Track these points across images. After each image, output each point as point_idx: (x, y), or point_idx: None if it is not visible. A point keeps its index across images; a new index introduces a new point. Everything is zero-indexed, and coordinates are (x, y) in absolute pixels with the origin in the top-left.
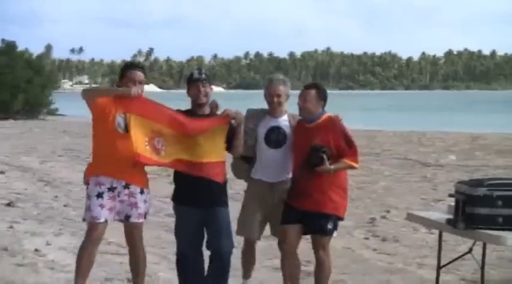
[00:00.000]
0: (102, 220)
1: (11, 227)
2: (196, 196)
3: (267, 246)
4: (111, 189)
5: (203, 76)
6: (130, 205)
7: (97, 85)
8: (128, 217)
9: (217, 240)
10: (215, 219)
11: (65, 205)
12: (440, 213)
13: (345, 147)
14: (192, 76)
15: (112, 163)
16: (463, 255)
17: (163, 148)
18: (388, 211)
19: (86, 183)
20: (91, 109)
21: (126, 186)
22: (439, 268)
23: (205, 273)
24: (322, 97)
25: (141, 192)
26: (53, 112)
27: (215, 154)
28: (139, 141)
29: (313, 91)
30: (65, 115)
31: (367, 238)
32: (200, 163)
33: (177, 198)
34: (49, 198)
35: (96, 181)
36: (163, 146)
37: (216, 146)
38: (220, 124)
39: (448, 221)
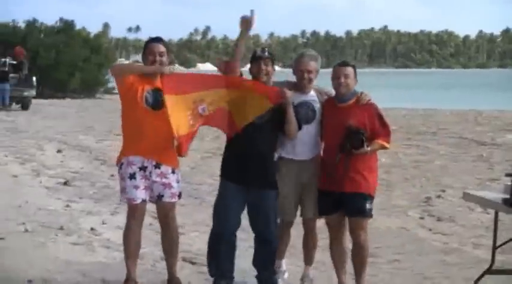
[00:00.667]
0: (138, 200)
1: (67, 206)
2: (245, 173)
3: (321, 225)
4: (142, 169)
5: (266, 54)
6: (164, 185)
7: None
8: (160, 196)
9: (265, 226)
10: (263, 204)
11: None
12: (497, 193)
13: (379, 128)
14: (255, 54)
15: (141, 142)
16: None
17: (207, 112)
18: (443, 191)
19: (119, 163)
20: (118, 86)
21: (157, 166)
22: (494, 248)
23: (250, 255)
24: (356, 76)
25: (173, 172)
26: (109, 91)
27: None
28: (181, 120)
29: (350, 68)
30: None
31: (422, 218)
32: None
33: (224, 172)
34: (105, 177)
35: (127, 161)
36: (208, 110)
37: (258, 110)
38: (270, 96)
39: (505, 201)
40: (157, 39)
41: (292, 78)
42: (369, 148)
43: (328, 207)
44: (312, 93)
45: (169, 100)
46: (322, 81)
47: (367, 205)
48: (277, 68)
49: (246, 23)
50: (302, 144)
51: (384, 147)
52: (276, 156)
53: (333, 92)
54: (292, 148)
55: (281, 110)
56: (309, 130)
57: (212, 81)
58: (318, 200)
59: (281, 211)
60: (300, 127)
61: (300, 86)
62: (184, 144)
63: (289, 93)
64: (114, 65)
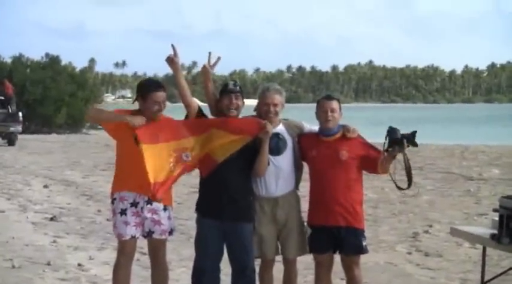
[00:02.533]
0: (128, 237)
1: (54, 241)
2: (220, 208)
3: (309, 260)
4: (134, 204)
5: (237, 88)
6: (154, 221)
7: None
8: (151, 233)
9: (242, 257)
10: (240, 236)
11: (107, 220)
12: (484, 228)
13: (376, 153)
14: (226, 87)
15: (134, 178)
16: (507, 270)
17: (190, 159)
18: (431, 226)
19: (111, 198)
20: (104, 128)
21: (149, 202)
22: (483, 283)
23: None
24: (340, 110)
25: (165, 209)
26: (95, 127)
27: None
28: (161, 166)
29: (336, 102)
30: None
31: (409, 253)
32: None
33: (200, 208)
34: (92, 212)
35: (119, 196)
36: (191, 157)
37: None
38: (248, 131)
39: (492, 236)
40: (159, 86)
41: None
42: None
43: (323, 245)
44: (280, 126)
45: (148, 150)
46: (308, 115)
47: (363, 242)
48: (250, 102)
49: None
50: (273, 178)
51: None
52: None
53: (304, 125)
54: (263, 184)
55: (253, 144)
56: (280, 162)
57: (190, 129)
58: (311, 237)
59: (260, 250)
60: (268, 163)
61: (266, 120)
62: (160, 190)
63: (269, 125)
64: (88, 113)
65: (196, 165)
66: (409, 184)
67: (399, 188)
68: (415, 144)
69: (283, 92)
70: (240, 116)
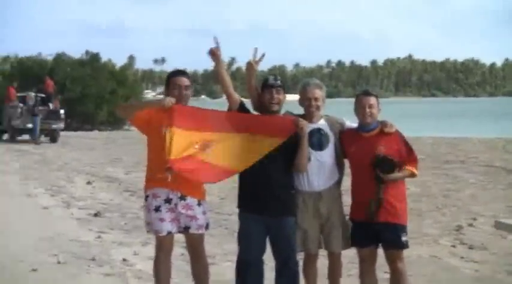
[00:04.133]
0: (164, 233)
1: (98, 237)
2: (262, 203)
3: (353, 254)
4: (168, 201)
5: (278, 82)
6: (189, 217)
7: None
8: (187, 228)
9: (285, 251)
10: (282, 230)
11: None
12: None
13: (406, 155)
14: (267, 82)
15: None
16: None
17: (210, 150)
18: (474, 219)
19: (145, 196)
20: (134, 125)
21: (182, 198)
22: None
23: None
24: (379, 105)
25: (199, 204)
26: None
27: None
28: (183, 147)
29: (374, 98)
30: None
31: (454, 246)
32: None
33: (242, 204)
34: (135, 208)
35: (152, 193)
36: (212, 149)
37: (259, 153)
38: (281, 132)
39: None
40: (181, 72)
41: (294, 109)
42: (400, 174)
43: (363, 240)
44: (322, 121)
45: (177, 134)
46: (347, 109)
47: (403, 237)
48: (291, 97)
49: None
50: (316, 173)
51: (413, 174)
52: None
53: (345, 121)
54: (306, 179)
55: (294, 140)
56: (323, 157)
57: (221, 123)
58: (353, 232)
59: (304, 244)
60: (309, 159)
61: (307, 115)
62: (176, 165)
63: (304, 122)
64: (118, 108)
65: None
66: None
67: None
68: (388, 173)
69: (324, 87)
70: (282, 111)
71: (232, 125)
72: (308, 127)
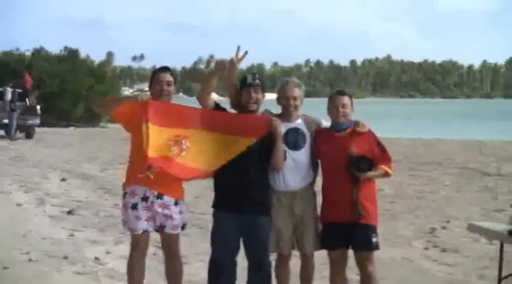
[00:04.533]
0: (140, 231)
1: (71, 235)
2: (237, 202)
3: (325, 255)
4: (144, 199)
5: (257, 81)
6: (165, 216)
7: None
8: (162, 227)
9: (258, 251)
10: (256, 230)
11: None
12: (502, 224)
13: (379, 154)
14: (246, 81)
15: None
16: None
17: (186, 148)
18: (448, 221)
19: (123, 193)
20: (117, 121)
21: (159, 197)
22: (500, 279)
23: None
24: (352, 105)
25: (176, 203)
26: (113, 120)
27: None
28: (159, 144)
29: (347, 98)
30: None
31: (426, 249)
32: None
33: (217, 203)
34: (109, 206)
35: (130, 191)
36: (187, 146)
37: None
38: (255, 132)
39: (510, 232)
40: (165, 69)
41: (272, 107)
42: (375, 173)
43: (333, 241)
44: (299, 120)
45: (152, 129)
46: (325, 109)
47: (373, 238)
48: (269, 95)
49: (218, 65)
50: (292, 173)
51: (387, 174)
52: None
53: (322, 121)
54: (282, 179)
55: (269, 139)
56: (299, 157)
57: (195, 119)
58: (322, 233)
59: (277, 245)
60: (284, 157)
61: (285, 114)
62: (154, 164)
63: (278, 122)
64: (94, 104)
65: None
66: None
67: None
68: (361, 171)
69: (303, 86)
70: (261, 110)
71: (206, 123)
72: (285, 126)
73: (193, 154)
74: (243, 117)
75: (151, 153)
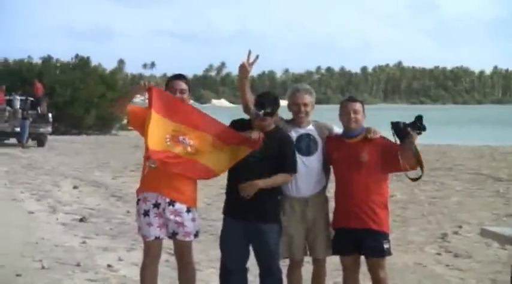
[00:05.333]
0: (152, 238)
1: (83, 242)
2: (245, 209)
3: (338, 261)
4: (156, 205)
5: (261, 112)
6: (177, 223)
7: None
8: (175, 234)
9: (266, 258)
10: (264, 237)
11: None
12: None
13: (395, 149)
14: (253, 112)
15: (157, 178)
16: None
17: (190, 144)
18: (460, 227)
19: (137, 199)
20: (131, 124)
21: (171, 203)
22: None
23: None
24: (364, 112)
25: (188, 211)
26: (125, 128)
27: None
28: (158, 136)
29: (359, 104)
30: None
31: (439, 254)
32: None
33: (226, 209)
34: (121, 213)
35: (143, 197)
36: (190, 143)
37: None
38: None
39: None
40: (179, 76)
41: (284, 114)
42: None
43: (345, 247)
44: (310, 126)
45: (154, 117)
46: (336, 116)
47: (385, 245)
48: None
49: (243, 69)
50: (304, 179)
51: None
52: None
53: (334, 127)
54: (294, 185)
55: (277, 146)
56: (311, 163)
57: (196, 120)
58: (334, 239)
59: (289, 250)
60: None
61: (296, 120)
62: (154, 156)
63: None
64: (113, 108)
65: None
66: (421, 174)
67: (412, 179)
68: (420, 129)
69: (313, 92)
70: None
71: (203, 125)
72: (296, 132)
73: (202, 150)
74: (237, 134)
75: (151, 144)
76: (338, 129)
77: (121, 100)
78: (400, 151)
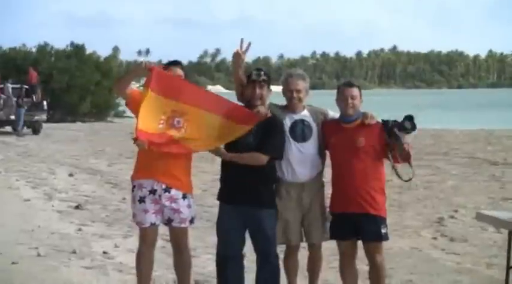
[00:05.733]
0: (147, 224)
1: (79, 230)
2: (238, 194)
3: (334, 246)
4: (152, 192)
5: (261, 77)
6: (173, 210)
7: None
8: (170, 220)
9: (263, 244)
10: (261, 222)
11: None
12: (510, 212)
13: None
14: (250, 77)
15: (152, 165)
16: None
17: (184, 126)
18: (456, 211)
19: (132, 186)
20: (129, 107)
21: (167, 190)
22: (508, 268)
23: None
24: (361, 97)
25: (184, 197)
26: (120, 115)
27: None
28: (152, 118)
29: (356, 89)
30: (132, 118)
31: (435, 238)
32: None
33: (221, 195)
34: (117, 200)
35: (138, 184)
36: (183, 125)
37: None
38: (247, 121)
39: None
40: (175, 63)
41: (279, 100)
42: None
43: (343, 232)
44: (305, 112)
45: (150, 97)
46: (332, 101)
47: (383, 230)
48: (276, 88)
49: (236, 56)
50: (299, 164)
51: (409, 154)
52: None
53: (328, 111)
54: (290, 170)
55: (269, 134)
56: (306, 148)
57: (196, 97)
58: (332, 224)
59: (285, 236)
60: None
61: (290, 106)
62: (143, 137)
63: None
64: (114, 87)
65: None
66: (412, 176)
67: (404, 181)
68: (407, 129)
69: (307, 78)
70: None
71: (207, 103)
72: (291, 118)
73: (193, 132)
74: (237, 105)
75: (140, 125)
76: (333, 113)
77: (122, 81)
78: (389, 148)
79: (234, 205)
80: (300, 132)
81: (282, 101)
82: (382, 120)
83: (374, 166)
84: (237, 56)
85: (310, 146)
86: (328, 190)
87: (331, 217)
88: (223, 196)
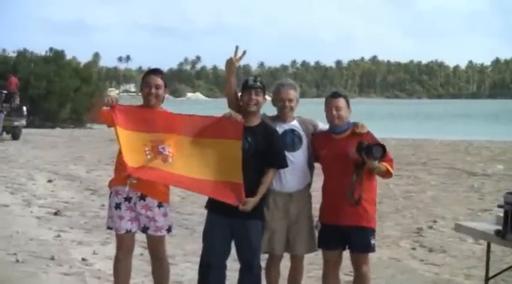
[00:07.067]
0: (122, 231)
1: (58, 236)
2: (227, 204)
3: (313, 255)
4: (127, 199)
5: (257, 84)
6: (148, 218)
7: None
8: (146, 228)
9: (248, 255)
10: (247, 233)
11: None
12: (489, 224)
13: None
14: (247, 83)
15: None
16: (511, 267)
17: (170, 155)
18: (435, 221)
19: (110, 193)
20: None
21: (142, 198)
22: (487, 279)
23: None
24: (349, 106)
25: (159, 206)
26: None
27: (226, 174)
28: (135, 152)
29: (343, 100)
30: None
31: (414, 249)
32: (209, 182)
33: (209, 204)
34: (96, 207)
35: (115, 191)
36: (170, 152)
37: (225, 162)
38: (235, 132)
39: (497, 232)
40: (155, 71)
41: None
42: (381, 166)
43: (331, 242)
44: (294, 122)
45: (122, 134)
46: (312, 110)
47: (372, 241)
48: (268, 97)
49: (230, 64)
50: (289, 172)
51: (389, 173)
52: None
53: (317, 122)
54: (279, 180)
55: (266, 142)
56: (296, 158)
57: (169, 124)
58: (321, 233)
59: (270, 245)
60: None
61: (281, 116)
62: (135, 174)
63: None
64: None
65: (173, 179)
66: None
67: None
68: (376, 158)
69: (298, 87)
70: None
71: (182, 127)
72: (281, 127)
73: (181, 161)
74: (217, 119)
75: (129, 161)
76: (322, 125)
77: (92, 114)
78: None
79: (222, 215)
80: (290, 141)
81: (270, 111)
82: (358, 142)
83: (366, 177)
84: (231, 63)
85: (300, 156)
86: (316, 201)
87: (319, 226)
88: (212, 205)
